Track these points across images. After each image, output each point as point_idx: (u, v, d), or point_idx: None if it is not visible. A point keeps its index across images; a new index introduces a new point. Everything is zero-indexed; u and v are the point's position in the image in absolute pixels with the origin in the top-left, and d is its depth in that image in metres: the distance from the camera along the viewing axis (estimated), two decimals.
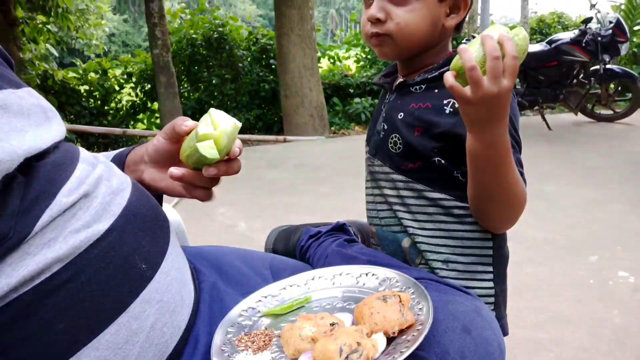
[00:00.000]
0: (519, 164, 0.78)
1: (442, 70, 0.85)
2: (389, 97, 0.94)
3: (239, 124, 0.68)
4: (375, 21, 0.84)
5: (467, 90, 0.65)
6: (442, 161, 0.83)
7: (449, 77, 0.66)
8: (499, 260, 0.87)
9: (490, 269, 0.86)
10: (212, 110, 0.68)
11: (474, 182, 0.76)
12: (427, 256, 0.86)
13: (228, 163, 0.70)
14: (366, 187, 0.97)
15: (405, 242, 0.88)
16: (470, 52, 0.65)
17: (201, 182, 0.73)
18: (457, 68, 0.67)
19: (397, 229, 0.89)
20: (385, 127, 0.90)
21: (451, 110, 0.81)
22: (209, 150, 0.66)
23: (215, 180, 0.74)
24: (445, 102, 0.82)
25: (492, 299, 0.86)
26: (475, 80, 0.64)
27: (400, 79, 0.91)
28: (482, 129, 0.69)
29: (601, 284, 1.99)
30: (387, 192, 0.90)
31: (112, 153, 0.85)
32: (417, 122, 0.84)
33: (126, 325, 0.57)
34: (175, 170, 0.70)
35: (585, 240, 2.44)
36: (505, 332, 0.88)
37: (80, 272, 0.55)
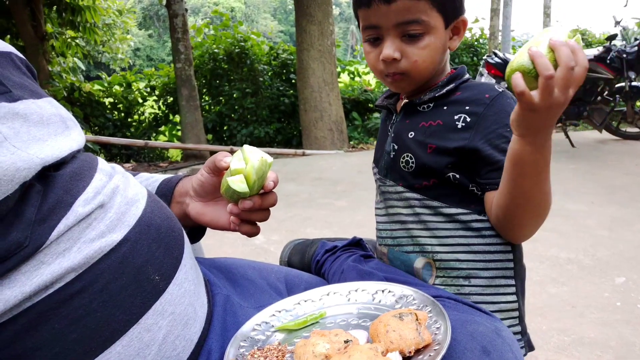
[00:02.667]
0: None
1: (448, 87, 0.86)
2: (395, 118, 0.93)
3: (270, 159, 0.72)
4: (391, 61, 0.83)
5: (535, 97, 0.62)
6: (457, 176, 0.82)
7: (519, 82, 0.62)
8: (520, 272, 0.86)
9: (513, 282, 0.84)
10: (245, 146, 0.72)
11: (513, 188, 0.74)
12: (448, 273, 0.84)
13: (263, 196, 0.74)
14: (377, 209, 0.96)
15: (418, 263, 0.86)
16: (545, 58, 0.62)
17: (253, 216, 0.76)
18: (523, 70, 0.63)
19: (411, 249, 0.88)
20: (396, 147, 0.90)
21: (463, 125, 0.81)
22: (238, 184, 0.69)
23: (264, 215, 0.77)
24: (456, 117, 0.82)
25: (516, 313, 0.84)
26: (550, 89, 0.61)
27: (406, 100, 0.92)
28: (536, 134, 0.67)
29: (629, 307, 1.91)
30: (401, 211, 0.89)
31: (158, 178, 0.88)
32: (429, 139, 0.84)
33: (138, 337, 0.57)
34: (232, 207, 0.75)
35: (610, 261, 2.36)
36: (531, 347, 0.86)
37: (94, 282, 0.55)
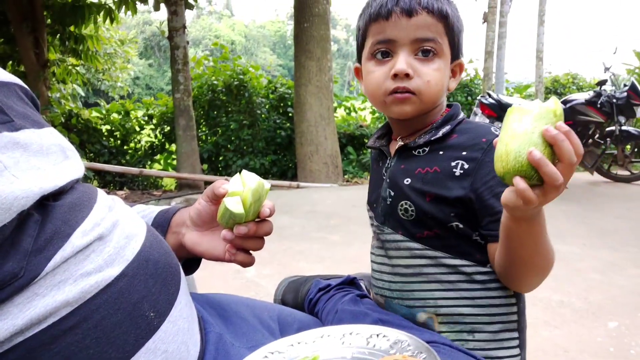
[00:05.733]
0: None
1: (443, 130, 0.83)
2: (390, 161, 0.89)
3: (267, 185, 0.72)
4: (403, 77, 0.80)
5: (539, 196, 0.59)
6: (461, 226, 0.79)
7: (522, 185, 0.58)
8: (523, 325, 0.84)
9: (516, 334, 0.82)
10: (243, 171, 0.73)
11: (509, 254, 0.72)
12: (451, 328, 0.81)
13: (258, 224, 0.74)
14: (373, 254, 0.92)
15: (420, 318, 0.83)
16: (552, 166, 0.57)
17: (247, 244, 0.76)
18: (524, 175, 0.58)
19: (411, 303, 0.84)
20: (392, 193, 0.86)
21: (461, 172, 0.78)
22: (234, 204, 0.70)
23: (258, 243, 0.77)
24: (453, 164, 0.79)
25: None
26: (556, 193, 0.59)
27: (400, 143, 0.88)
28: (532, 216, 0.66)
29: (622, 353, 1.89)
30: (401, 262, 0.85)
31: (154, 209, 0.88)
32: (427, 187, 0.81)
33: None
34: (226, 233, 0.74)
35: (603, 305, 2.35)
36: None
37: (88, 317, 0.54)
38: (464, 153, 0.79)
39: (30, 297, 0.51)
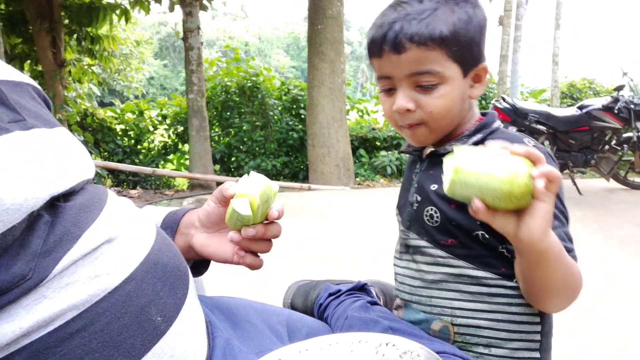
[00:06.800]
0: (568, 238, 0.72)
1: (475, 139, 0.81)
2: (420, 166, 0.88)
3: (276, 187, 0.72)
4: (405, 112, 0.79)
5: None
6: (487, 236, 0.76)
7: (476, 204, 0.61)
8: (546, 346, 0.80)
9: (537, 355, 0.78)
10: (252, 173, 0.72)
11: (526, 279, 0.70)
12: (467, 340, 0.78)
13: (267, 226, 0.74)
14: (398, 258, 0.91)
15: (435, 325, 0.81)
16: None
17: (255, 246, 0.76)
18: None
19: (429, 309, 0.82)
20: (419, 198, 0.84)
21: None
22: (241, 206, 0.69)
23: (266, 246, 0.76)
24: None
25: None
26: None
27: (431, 148, 0.87)
28: (536, 250, 0.64)
29: None
30: (424, 267, 0.83)
31: (164, 210, 0.88)
32: None
33: None
34: (234, 235, 0.73)
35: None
36: None
37: (95, 321, 0.54)
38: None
39: (38, 299, 0.51)
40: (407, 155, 0.95)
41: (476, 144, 0.80)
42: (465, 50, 0.78)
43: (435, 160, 0.85)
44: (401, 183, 0.96)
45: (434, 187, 0.82)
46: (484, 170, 0.59)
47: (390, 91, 0.82)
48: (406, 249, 0.88)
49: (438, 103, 0.78)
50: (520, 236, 0.62)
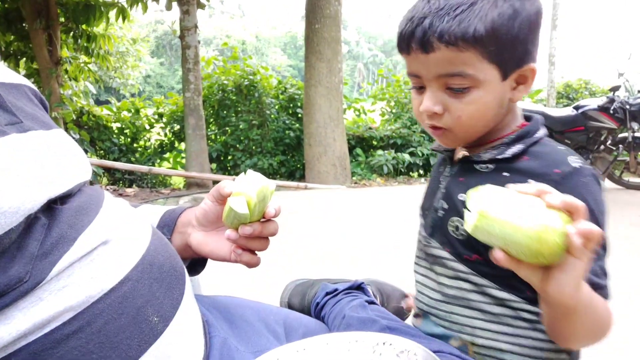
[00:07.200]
0: (602, 272, 0.66)
1: (514, 150, 0.72)
2: (451, 170, 0.81)
3: (273, 185, 0.72)
4: (432, 114, 0.73)
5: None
6: None
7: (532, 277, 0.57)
8: None
9: None
10: (248, 171, 0.73)
11: (550, 323, 0.66)
12: None
13: (264, 224, 0.74)
14: (417, 264, 0.86)
15: (454, 342, 0.76)
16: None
17: (252, 244, 0.76)
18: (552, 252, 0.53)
19: (447, 325, 0.78)
20: (445, 206, 0.78)
21: None
22: (238, 204, 0.69)
23: (264, 244, 0.77)
24: None
25: None
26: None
27: (464, 152, 0.80)
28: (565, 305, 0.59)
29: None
30: (444, 280, 0.77)
31: (161, 209, 0.88)
32: None
33: None
34: (230, 233, 0.73)
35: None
36: None
37: (92, 322, 0.53)
38: (531, 182, 0.70)
39: (35, 301, 0.51)
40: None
41: (515, 156, 0.73)
42: (506, 50, 0.68)
43: (467, 167, 0.78)
44: (427, 182, 0.90)
45: (462, 197, 0.75)
46: (510, 219, 0.53)
47: (421, 89, 0.75)
48: (425, 256, 0.83)
49: (468, 109, 0.70)
50: (547, 290, 0.56)
